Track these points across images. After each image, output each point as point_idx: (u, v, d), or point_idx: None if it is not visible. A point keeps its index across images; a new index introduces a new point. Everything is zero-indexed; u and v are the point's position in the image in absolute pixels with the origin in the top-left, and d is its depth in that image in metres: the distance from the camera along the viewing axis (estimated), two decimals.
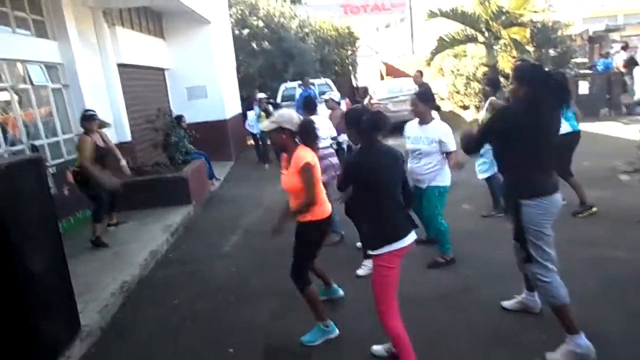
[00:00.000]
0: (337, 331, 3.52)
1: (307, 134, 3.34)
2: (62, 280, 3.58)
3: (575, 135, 5.44)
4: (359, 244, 5.00)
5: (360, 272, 4.52)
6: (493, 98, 5.68)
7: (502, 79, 13.24)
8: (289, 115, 3.37)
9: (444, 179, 4.45)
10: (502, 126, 2.98)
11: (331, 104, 6.71)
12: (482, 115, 5.86)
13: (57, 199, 5.24)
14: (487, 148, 5.66)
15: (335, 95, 6.91)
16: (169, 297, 4.58)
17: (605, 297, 3.70)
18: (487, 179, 5.84)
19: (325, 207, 3.42)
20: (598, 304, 3.59)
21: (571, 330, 2.93)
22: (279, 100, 14.01)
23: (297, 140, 3.36)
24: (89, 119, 5.76)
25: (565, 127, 5.29)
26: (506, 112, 3.16)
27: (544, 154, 2.95)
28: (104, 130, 6.06)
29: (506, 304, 3.64)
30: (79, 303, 3.87)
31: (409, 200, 3.09)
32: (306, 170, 3.22)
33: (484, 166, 5.79)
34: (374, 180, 2.82)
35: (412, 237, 2.87)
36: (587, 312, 3.39)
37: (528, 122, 2.87)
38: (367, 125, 2.86)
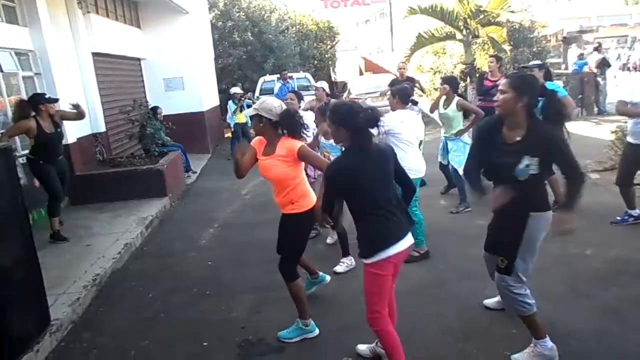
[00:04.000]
0: (316, 331, 3.48)
1: (290, 125, 3.26)
2: (32, 273, 3.50)
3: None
4: (329, 240, 5.03)
5: (339, 268, 4.52)
6: (459, 98, 5.84)
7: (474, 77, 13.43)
8: (270, 104, 3.28)
9: (417, 170, 4.46)
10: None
11: (321, 94, 6.56)
12: (444, 111, 5.96)
13: (27, 189, 5.09)
14: (455, 143, 5.83)
15: (326, 85, 6.81)
16: (143, 290, 4.52)
17: (573, 293, 3.79)
18: (457, 175, 5.95)
19: (311, 196, 3.39)
20: (566, 301, 3.68)
21: (538, 335, 2.96)
22: (257, 93, 13.91)
23: (281, 131, 3.29)
24: (44, 101, 5.45)
25: None
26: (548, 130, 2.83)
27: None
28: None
29: (488, 302, 3.65)
30: (50, 296, 3.80)
31: (407, 195, 2.99)
32: (306, 151, 3.23)
33: (458, 159, 5.85)
34: (359, 187, 2.66)
35: (407, 241, 2.74)
36: (555, 308, 3.48)
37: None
38: (365, 124, 2.65)
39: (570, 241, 4.75)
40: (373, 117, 2.68)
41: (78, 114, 5.91)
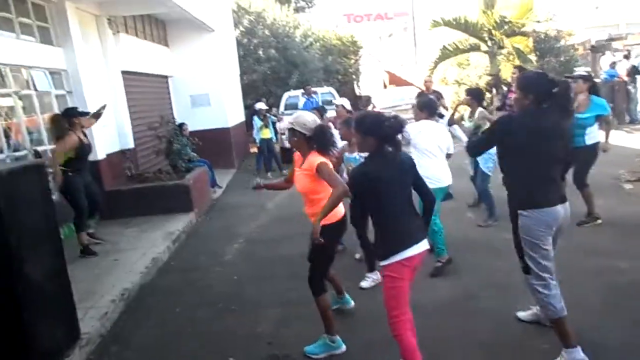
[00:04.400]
0: (343, 347, 3.43)
1: (322, 140, 3.31)
2: (62, 287, 3.56)
3: (597, 147, 5.41)
4: (357, 255, 4.98)
5: (364, 284, 4.47)
6: (481, 109, 5.77)
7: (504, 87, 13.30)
8: (304, 118, 3.34)
9: (436, 179, 4.39)
10: (500, 133, 3.01)
11: (340, 111, 6.59)
12: (469, 125, 5.94)
13: (58, 204, 5.22)
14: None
15: (346, 102, 6.85)
16: (170, 305, 4.55)
17: (608, 306, 3.67)
18: (482, 192, 5.91)
19: (338, 210, 3.37)
20: (601, 314, 3.56)
21: (567, 343, 2.89)
22: (282, 109, 14.02)
23: (313, 145, 3.33)
24: (77, 115, 5.72)
25: (591, 139, 5.28)
26: (505, 119, 3.17)
27: (545, 164, 2.88)
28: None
29: (521, 314, 3.56)
30: (79, 310, 3.84)
31: (427, 207, 3.03)
32: (322, 168, 3.19)
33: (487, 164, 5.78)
34: (378, 191, 2.77)
35: (421, 246, 2.79)
36: (590, 321, 3.36)
37: (529, 130, 2.84)
38: (391, 131, 2.76)
39: (602, 252, 4.62)
40: (398, 124, 2.78)
41: (97, 115, 6.27)
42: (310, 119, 3.35)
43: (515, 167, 2.94)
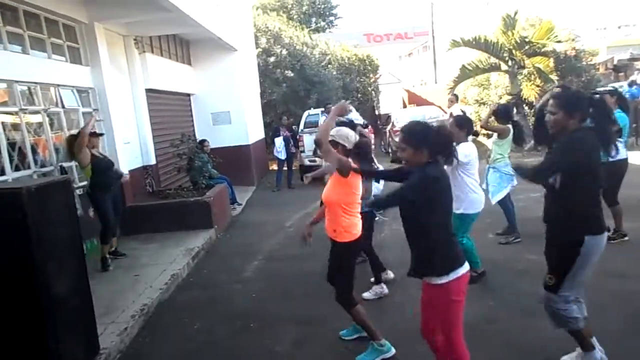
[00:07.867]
0: (393, 350, 3.46)
1: (362, 155, 3.50)
2: (84, 302, 3.60)
3: (626, 162, 5.44)
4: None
5: (367, 295, 4.52)
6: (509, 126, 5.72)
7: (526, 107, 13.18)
8: (346, 132, 3.49)
9: (468, 206, 4.38)
10: (575, 159, 2.75)
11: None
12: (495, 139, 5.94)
13: (82, 220, 5.32)
14: (493, 173, 5.69)
15: (358, 119, 6.92)
16: (189, 321, 4.56)
17: (633, 331, 3.55)
18: (501, 203, 5.81)
19: (355, 231, 3.47)
20: (625, 339, 3.44)
21: (586, 347, 2.96)
22: (301, 126, 14.14)
23: (351, 157, 3.45)
24: (91, 135, 5.84)
25: (622, 153, 5.24)
26: (582, 140, 2.79)
27: (599, 188, 2.88)
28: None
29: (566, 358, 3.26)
30: (99, 325, 3.88)
31: None
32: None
33: (492, 189, 5.73)
34: (447, 200, 2.62)
35: (467, 266, 2.65)
36: (614, 347, 3.23)
37: (596, 151, 2.78)
38: (447, 139, 2.63)
39: (630, 277, 4.49)
40: (450, 134, 2.74)
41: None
42: (351, 133, 3.52)
43: (585, 191, 2.79)
